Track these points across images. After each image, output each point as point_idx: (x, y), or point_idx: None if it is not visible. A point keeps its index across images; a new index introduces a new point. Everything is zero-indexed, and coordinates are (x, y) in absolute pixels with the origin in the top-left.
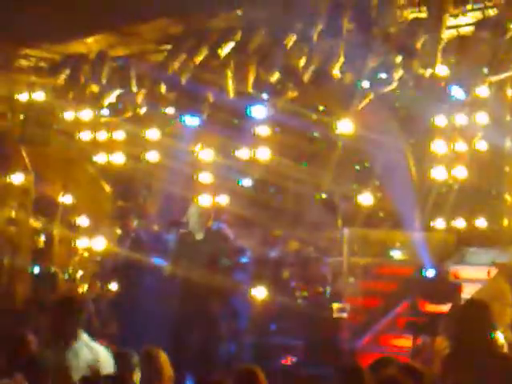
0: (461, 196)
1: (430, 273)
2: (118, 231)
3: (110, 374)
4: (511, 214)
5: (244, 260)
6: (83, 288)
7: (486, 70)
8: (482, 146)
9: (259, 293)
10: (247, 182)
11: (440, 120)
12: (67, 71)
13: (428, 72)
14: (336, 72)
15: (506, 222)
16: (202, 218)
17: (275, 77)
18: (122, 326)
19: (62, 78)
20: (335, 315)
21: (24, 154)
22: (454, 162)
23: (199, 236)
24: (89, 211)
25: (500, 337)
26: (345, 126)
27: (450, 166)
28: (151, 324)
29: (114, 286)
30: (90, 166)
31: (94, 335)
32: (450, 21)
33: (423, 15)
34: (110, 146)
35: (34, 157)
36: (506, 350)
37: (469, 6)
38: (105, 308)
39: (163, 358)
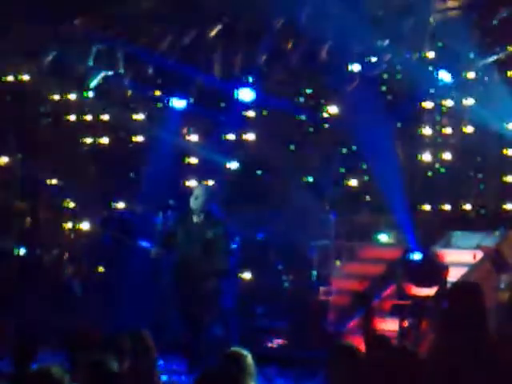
0: (447, 180)
1: (416, 256)
2: (105, 213)
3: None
4: (496, 198)
5: (233, 246)
6: (69, 270)
7: (472, 55)
8: (468, 129)
9: (246, 275)
10: (234, 165)
11: (427, 104)
12: (54, 52)
13: (416, 56)
14: (324, 55)
15: (491, 205)
16: (206, 200)
17: (263, 60)
18: (108, 306)
19: (48, 59)
20: (321, 298)
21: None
22: (440, 145)
23: (198, 218)
24: (76, 193)
25: None
26: (332, 110)
27: (437, 150)
28: (136, 305)
29: (100, 267)
30: (77, 148)
31: (81, 318)
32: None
33: None
34: (97, 128)
35: (21, 138)
36: None
37: None
38: (92, 289)
39: (149, 338)
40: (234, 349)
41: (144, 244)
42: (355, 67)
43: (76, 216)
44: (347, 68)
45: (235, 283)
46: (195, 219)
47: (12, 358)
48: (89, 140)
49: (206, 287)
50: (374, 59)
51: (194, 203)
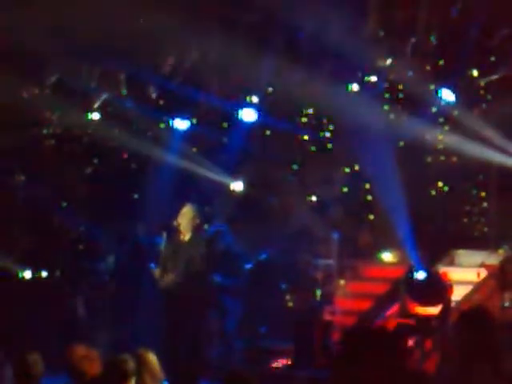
0: (450, 198)
1: (420, 275)
2: (115, 235)
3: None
4: (493, 218)
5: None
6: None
7: (475, 72)
8: (471, 147)
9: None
10: (238, 185)
11: (429, 122)
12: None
13: (418, 74)
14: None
15: (495, 223)
16: (194, 219)
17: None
18: (117, 328)
19: (51, 80)
20: (325, 318)
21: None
22: (443, 163)
23: (186, 236)
24: (82, 215)
25: None
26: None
27: (440, 168)
28: (144, 328)
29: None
30: (81, 170)
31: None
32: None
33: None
34: (100, 149)
35: (24, 159)
36: None
37: None
38: (99, 310)
39: (155, 360)
40: (237, 369)
41: (152, 265)
42: (354, 87)
43: (82, 238)
44: (348, 87)
45: (238, 304)
46: (182, 238)
47: (15, 377)
48: (92, 161)
49: (192, 306)
50: (374, 78)
51: (180, 221)
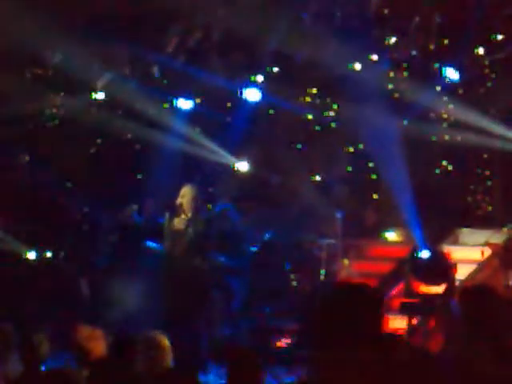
0: (454, 177)
1: (424, 254)
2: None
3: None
4: (499, 196)
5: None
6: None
7: (481, 50)
8: (475, 125)
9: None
10: (242, 165)
11: (434, 101)
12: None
13: (421, 53)
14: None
15: (499, 202)
16: (195, 199)
17: (269, 59)
18: (118, 308)
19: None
20: None
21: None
22: (447, 143)
23: (186, 216)
24: (85, 195)
25: None
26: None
27: (444, 147)
28: (147, 308)
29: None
30: (84, 150)
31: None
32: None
33: None
34: (103, 130)
35: (30, 140)
36: None
37: None
38: (101, 290)
39: (168, 344)
40: (241, 348)
41: (152, 245)
42: (358, 66)
43: (86, 219)
44: (351, 66)
45: (243, 284)
46: (182, 217)
47: (21, 358)
48: (95, 141)
49: (189, 287)
50: (375, 57)
51: (180, 201)
